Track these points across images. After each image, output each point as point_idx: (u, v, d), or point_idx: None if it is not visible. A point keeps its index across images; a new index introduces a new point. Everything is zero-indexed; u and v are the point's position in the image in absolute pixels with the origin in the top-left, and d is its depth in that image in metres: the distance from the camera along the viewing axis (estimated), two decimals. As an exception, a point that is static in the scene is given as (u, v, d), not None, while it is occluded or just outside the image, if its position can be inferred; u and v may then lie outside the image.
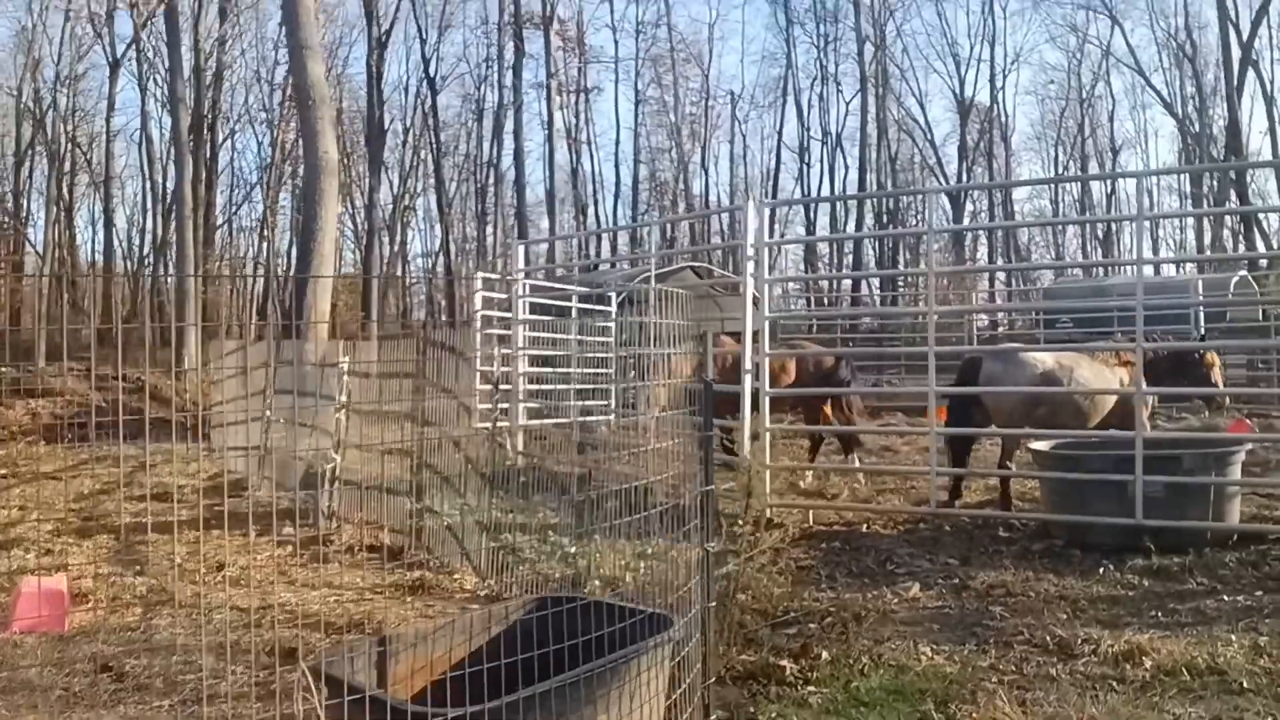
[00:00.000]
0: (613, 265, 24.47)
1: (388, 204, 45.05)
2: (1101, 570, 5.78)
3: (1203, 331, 13.89)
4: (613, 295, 14.38)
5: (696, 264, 20.12)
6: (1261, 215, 33.63)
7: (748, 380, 7.11)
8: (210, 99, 36.47)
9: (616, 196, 44.38)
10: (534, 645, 3.38)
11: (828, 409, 8.96)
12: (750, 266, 7.10)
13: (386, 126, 40.25)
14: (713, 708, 3.53)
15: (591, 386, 11.15)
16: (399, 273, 42.06)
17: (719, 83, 49.41)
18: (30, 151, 37.18)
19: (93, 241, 41.52)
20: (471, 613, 3.51)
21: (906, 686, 3.88)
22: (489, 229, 41.58)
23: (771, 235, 31.83)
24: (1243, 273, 20.28)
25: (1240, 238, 34.52)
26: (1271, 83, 38.01)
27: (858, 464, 8.72)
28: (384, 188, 43.97)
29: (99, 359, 19.98)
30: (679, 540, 3.64)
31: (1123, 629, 4.68)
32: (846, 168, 43.60)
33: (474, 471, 5.79)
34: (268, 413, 8.92)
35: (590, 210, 44.93)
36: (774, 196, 44.57)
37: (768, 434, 7.11)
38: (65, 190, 38.71)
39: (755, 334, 7.26)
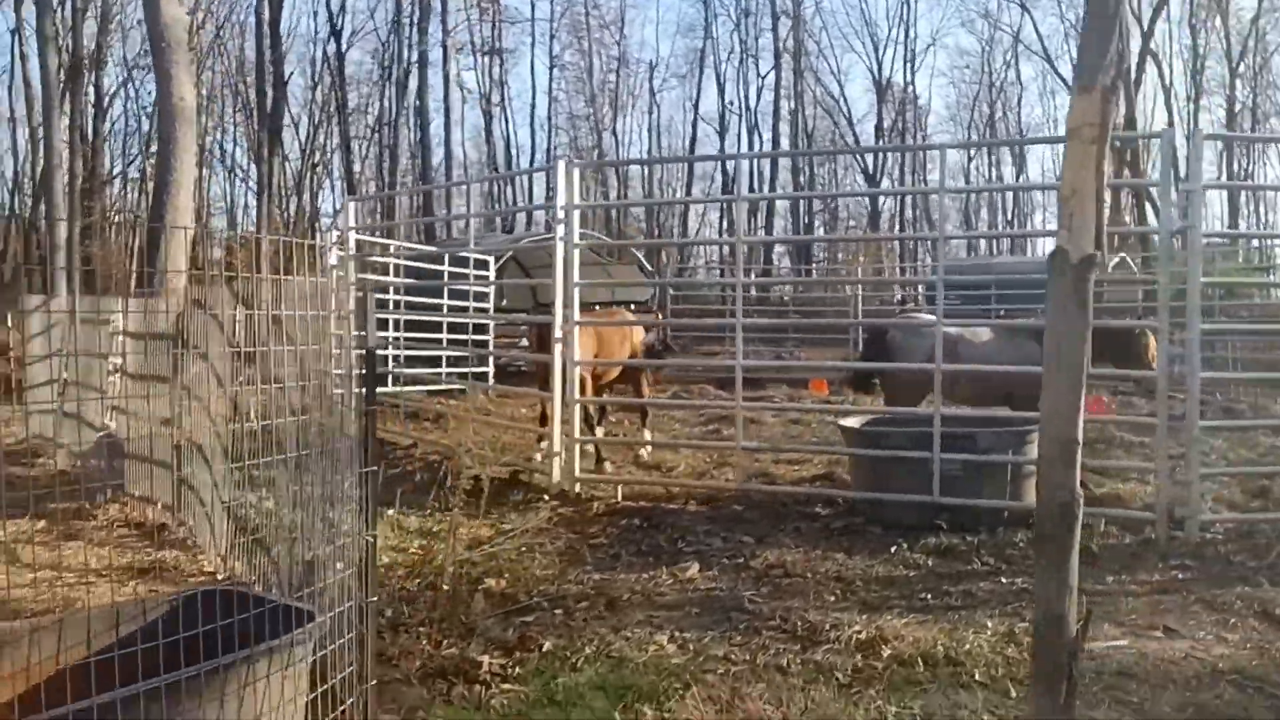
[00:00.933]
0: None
1: (295, 160, 43.65)
2: (893, 549, 5.62)
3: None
4: (491, 260, 13.94)
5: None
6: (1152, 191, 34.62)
7: (558, 350, 6.75)
8: (96, 43, 34.45)
9: (532, 162, 43.63)
10: (159, 647, 2.98)
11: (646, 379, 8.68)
12: (560, 230, 6.72)
13: (286, 79, 38.57)
14: (379, 712, 3.17)
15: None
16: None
17: (639, 52, 48.70)
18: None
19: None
20: (90, 611, 3.07)
21: (616, 682, 3.59)
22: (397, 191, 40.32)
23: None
24: (1122, 254, 20.73)
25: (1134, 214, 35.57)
26: (1170, 74, 39.27)
27: (648, 435, 8.44)
28: (293, 146, 42.54)
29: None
30: (334, 525, 3.24)
31: (881, 613, 4.49)
32: (762, 142, 43.50)
33: (218, 441, 5.31)
34: (64, 374, 8.25)
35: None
36: (690, 176, 44.61)
37: (577, 406, 6.78)
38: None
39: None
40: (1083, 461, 2.70)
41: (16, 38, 35.74)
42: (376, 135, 42.01)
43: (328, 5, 39.28)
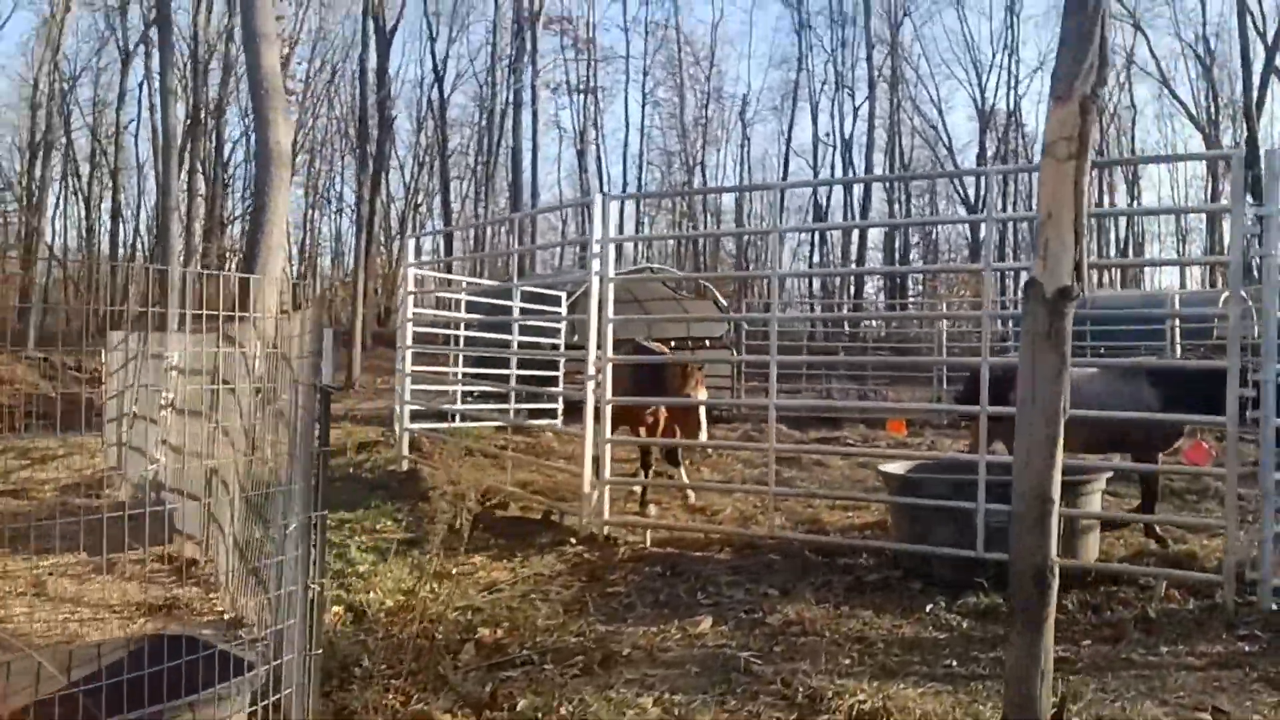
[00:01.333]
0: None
1: (400, 201, 45.44)
2: (928, 608, 5.24)
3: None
4: (562, 295, 14.00)
5: (653, 264, 19.62)
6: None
7: (590, 387, 6.63)
8: (215, 93, 36.64)
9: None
10: (102, 693, 2.95)
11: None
12: (595, 264, 6.62)
13: (390, 121, 40.15)
14: (319, 768, 3.07)
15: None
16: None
17: (734, 86, 48.82)
18: (45, 142, 37.31)
19: (99, 232, 41.68)
20: (43, 652, 3.07)
21: (580, 747, 3.39)
22: (488, 230, 41.27)
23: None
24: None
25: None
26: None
27: (684, 478, 8.15)
28: (398, 187, 44.33)
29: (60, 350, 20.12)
30: (280, 570, 3.17)
31: (896, 680, 4.16)
32: (855, 172, 42.72)
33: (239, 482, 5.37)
34: (134, 408, 8.59)
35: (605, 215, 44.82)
36: (782, 202, 44.25)
37: (608, 446, 6.63)
38: (81, 182, 39.36)
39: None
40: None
41: (144, 89, 38.57)
42: (474, 175, 43.20)
43: (432, 51, 40.89)
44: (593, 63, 44.18)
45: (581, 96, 44.37)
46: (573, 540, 6.59)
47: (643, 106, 45.20)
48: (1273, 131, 38.49)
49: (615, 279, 6.90)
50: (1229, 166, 5.06)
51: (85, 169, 40.78)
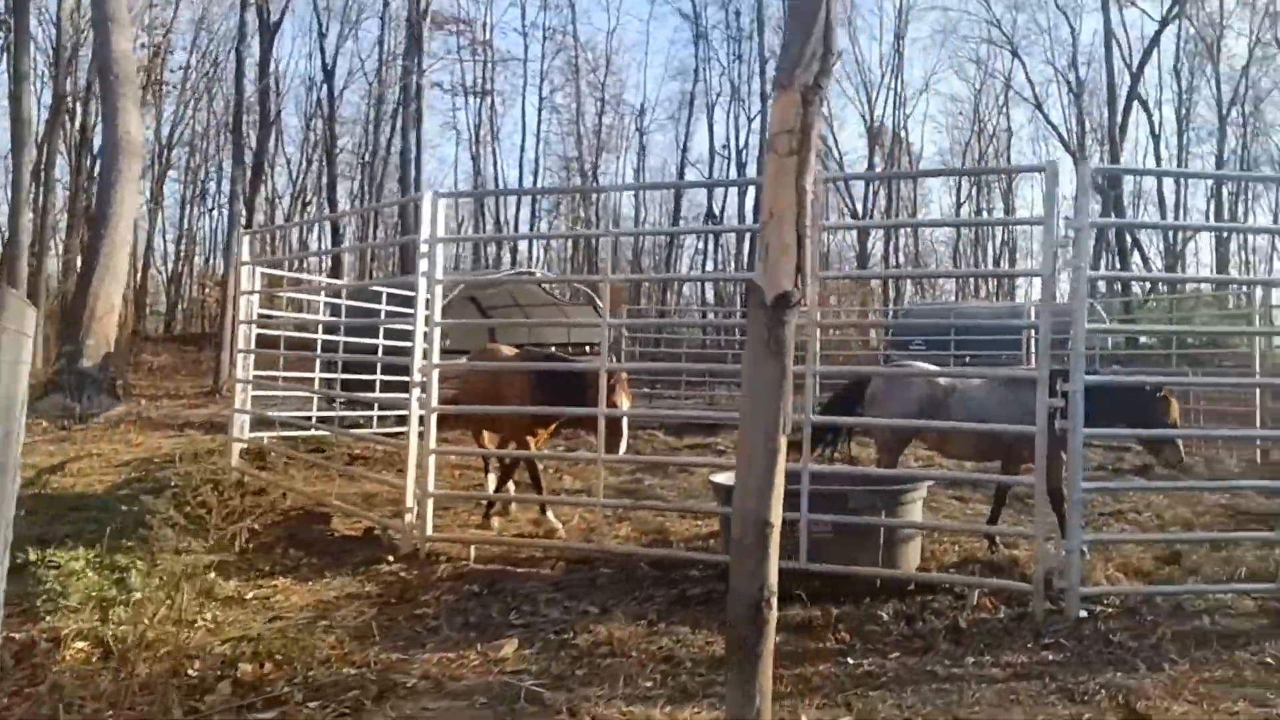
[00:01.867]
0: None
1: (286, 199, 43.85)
2: (747, 623, 5.08)
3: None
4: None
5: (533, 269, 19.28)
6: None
7: (415, 394, 6.27)
8: (84, 80, 34.49)
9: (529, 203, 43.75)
10: None
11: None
12: (423, 264, 6.27)
13: (272, 119, 38.64)
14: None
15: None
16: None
17: (631, 94, 48.89)
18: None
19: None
20: None
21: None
22: (379, 230, 40.14)
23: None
24: (1090, 301, 20.24)
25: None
26: (1160, 122, 39.17)
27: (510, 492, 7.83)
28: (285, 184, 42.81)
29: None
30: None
31: (690, 705, 3.96)
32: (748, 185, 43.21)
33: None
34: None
35: (499, 216, 44.25)
36: (676, 210, 44.43)
37: (432, 457, 6.28)
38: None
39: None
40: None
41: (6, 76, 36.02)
42: (362, 174, 42.01)
43: (322, 47, 39.55)
44: (490, 64, 43.63)
45: (478, 99, 43.75)
46: (391, 558, 6.21)
47: (539, 111, 44.90)
48: (1136, 154, 40.64)
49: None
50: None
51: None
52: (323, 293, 11.50)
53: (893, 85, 45.35)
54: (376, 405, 11.69)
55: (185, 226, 43.93)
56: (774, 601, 2.13)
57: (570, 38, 44.48)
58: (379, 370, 11.40)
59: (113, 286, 15.69)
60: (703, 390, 19.95)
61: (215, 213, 44.16)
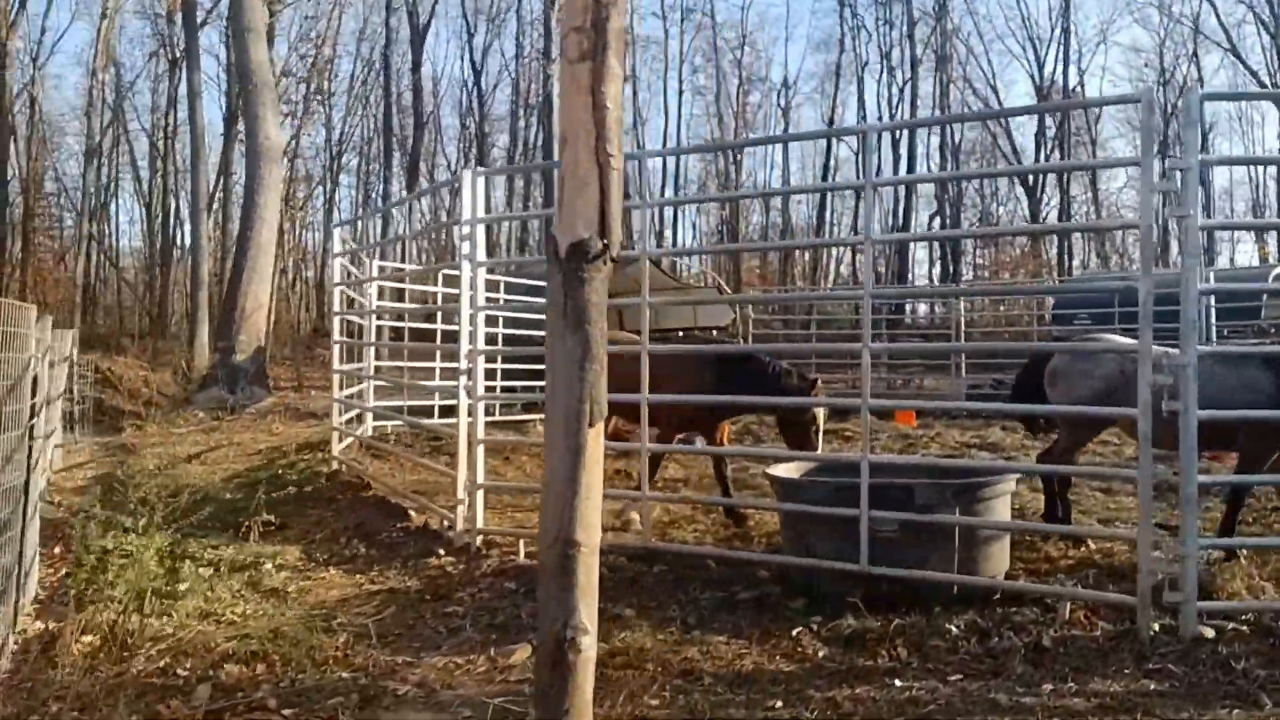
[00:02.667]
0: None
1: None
2: (796, 632, 4.53)
3: None
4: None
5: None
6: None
7: (462, 381, 6.03)
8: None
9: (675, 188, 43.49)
10: None
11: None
12: (465, 247, 6.01)
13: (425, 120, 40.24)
14: None
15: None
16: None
17: (771, 69, 47.63)
18: (102, 148, 37.91)
19: (149, 235, 42.22)
20: None
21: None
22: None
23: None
24: None
25: None
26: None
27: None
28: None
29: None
30: None
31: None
32: (899, 158, 41.19)
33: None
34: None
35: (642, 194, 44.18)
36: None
37: (480, 446, 6.02)
38: (142, 186, 40.15)
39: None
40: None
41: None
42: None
43: (469, 47, 40.73)
44: (632, 49, 43.53)
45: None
46: (442, 551, 6.01)
47: (680, 95, 44.37)
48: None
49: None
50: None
51: (145, 174, 41.32)
52: (407, 280, 11.50)
53: (1062, 40, 41.98)
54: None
55: (357, 229, 46.44)
56: (584, 641, 1.66)
57: (708, 16, 43.74)
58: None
59: (259, 286, 16.55)
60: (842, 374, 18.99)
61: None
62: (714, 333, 17.81)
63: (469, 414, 6.01)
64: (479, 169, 6.10)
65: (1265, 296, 15.46)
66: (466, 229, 5.98)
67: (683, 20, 44.19)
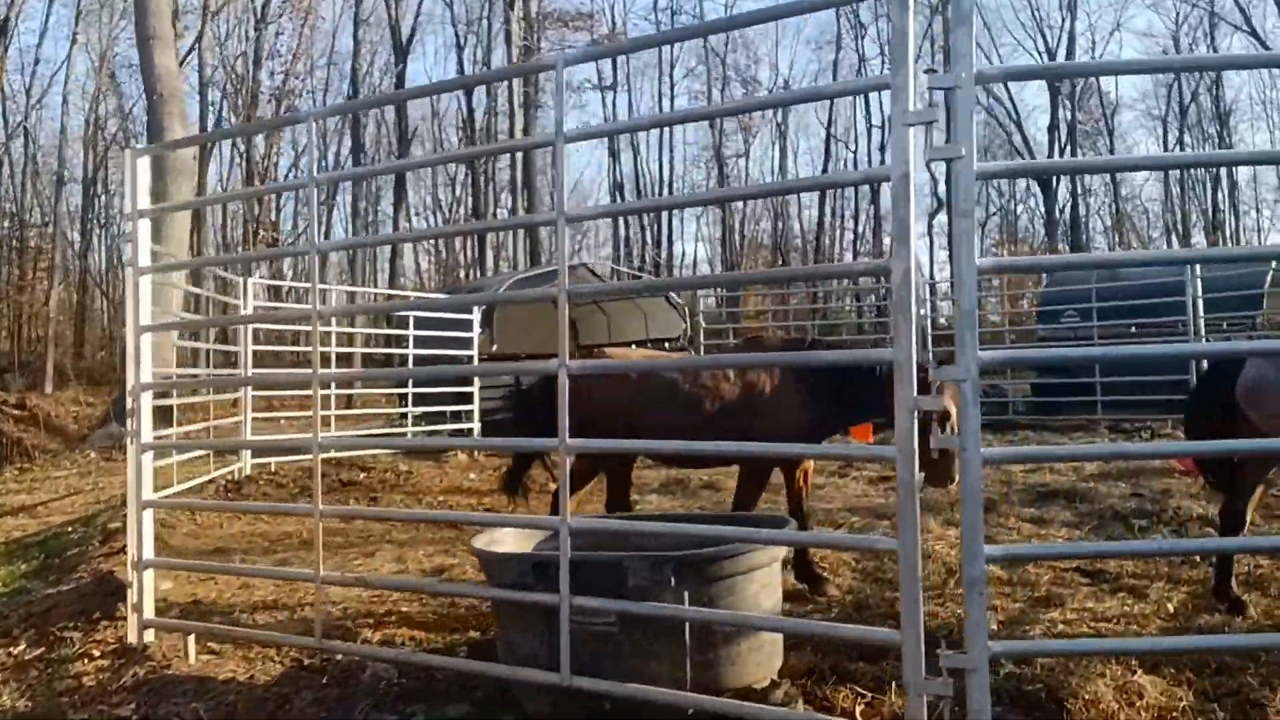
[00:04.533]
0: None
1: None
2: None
3: None
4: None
5: (589, 261, 17.70)
6: None
7: (131, 421, 4.64)
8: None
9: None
10: None
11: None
12: (127, 250, 4.64)
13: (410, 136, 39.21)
14: None
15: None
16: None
17: (767, 71, 46.11)
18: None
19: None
20: None
21: None
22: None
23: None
24: None
25: None
26: None
27: None
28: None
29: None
30: None
31: None
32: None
33: None
34: None
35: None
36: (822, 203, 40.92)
37: (149, 511, 4.60)
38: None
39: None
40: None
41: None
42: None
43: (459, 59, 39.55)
44: (625, 57, 42.23)
45: (611, 93, 42.69)
46: (97, 653, 4.57)
47: (673, 99, 43.01)
48: None
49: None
50: None
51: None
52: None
53: (1070, 29, 40.06)
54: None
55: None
56: None
57: (697, 19, 42.32)
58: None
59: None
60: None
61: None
62: (666, 345, 16.39)
63: (136, 467, 4.62)
64: (139, 148, 4.71)
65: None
66: (128, 226, 4.62)
67: (673, 22, 42.83)
